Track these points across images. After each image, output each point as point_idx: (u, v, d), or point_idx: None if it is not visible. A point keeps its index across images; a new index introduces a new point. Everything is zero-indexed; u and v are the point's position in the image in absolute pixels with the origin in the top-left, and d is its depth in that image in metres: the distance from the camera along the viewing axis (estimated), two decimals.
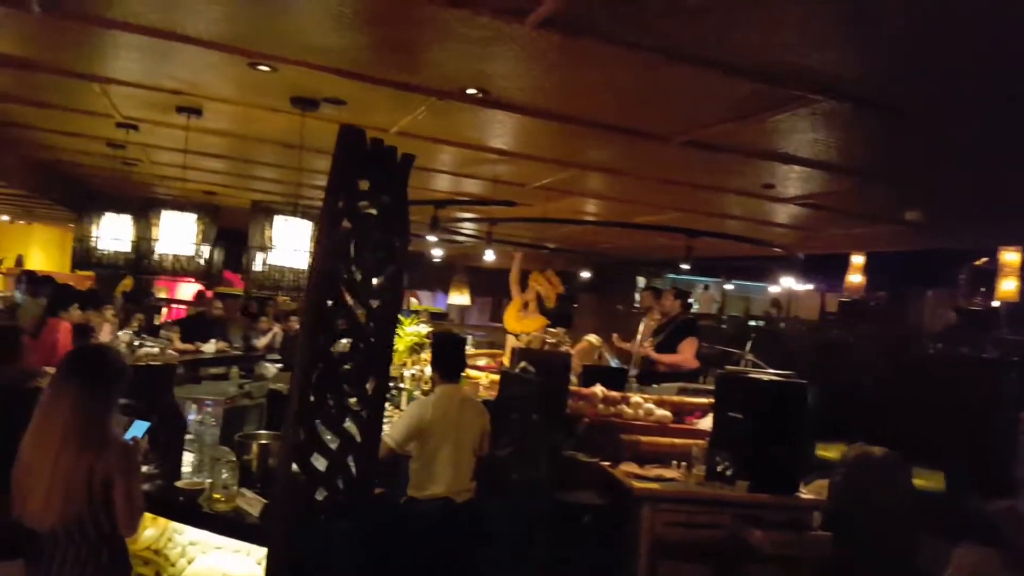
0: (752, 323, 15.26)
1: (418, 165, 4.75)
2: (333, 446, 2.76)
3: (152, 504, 2.83)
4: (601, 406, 5.27)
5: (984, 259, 13.00)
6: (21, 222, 12.34)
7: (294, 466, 2.61)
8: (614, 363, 7.36)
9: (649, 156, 3.99)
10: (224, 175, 5.79)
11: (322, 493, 2.72)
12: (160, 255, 3.92)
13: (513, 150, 4.06)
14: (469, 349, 7.23)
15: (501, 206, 5.39)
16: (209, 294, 7.94)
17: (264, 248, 3.25)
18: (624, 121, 3.27)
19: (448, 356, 3.83)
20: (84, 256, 4.48)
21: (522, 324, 7.80)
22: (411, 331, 6.25)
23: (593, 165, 4.41)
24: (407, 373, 5.75)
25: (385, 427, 3.45)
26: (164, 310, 10.40)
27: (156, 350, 5.43)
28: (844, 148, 3.46)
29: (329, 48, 2.61)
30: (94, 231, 4.43)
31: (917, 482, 7.95)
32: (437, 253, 8.53)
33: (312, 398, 2.67)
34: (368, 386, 2.88)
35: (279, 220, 3.40)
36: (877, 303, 17.54)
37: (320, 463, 2.73)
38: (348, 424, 2.84)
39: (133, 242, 4.27)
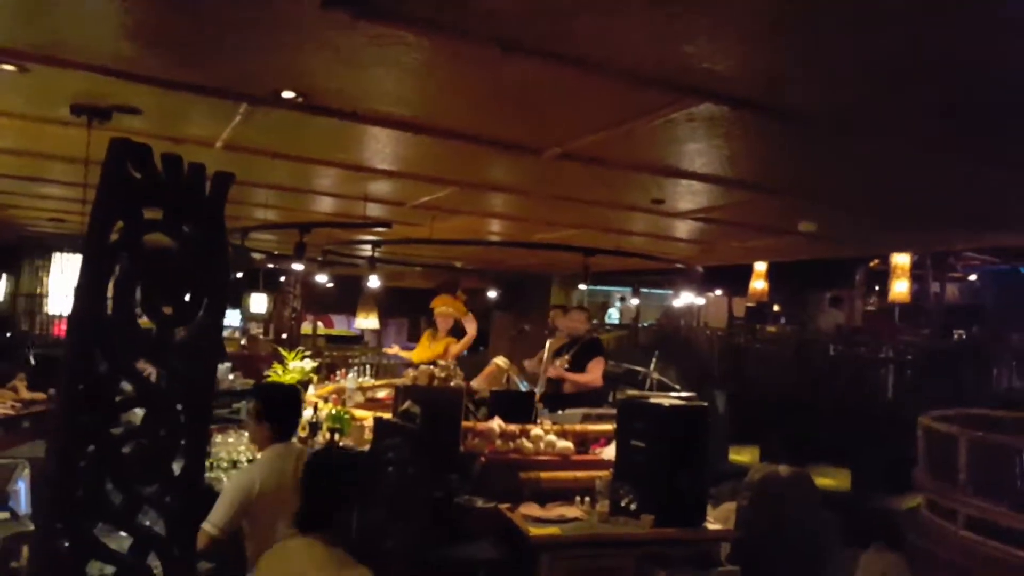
0: (666, 331, 15.22)
1: (267, 183, 4.23)
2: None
3: None
4: (499, 442, 4.77)
5: (876, 261, 13.44)
6: None
7: None
8: (523, 386, 6.90)
9: (529, 172, 3.55)
10: (53, 199, 4.95)
11: None
12: None
13: (372, 165, 3.52)
14: (367, 380, 6.57)
15: (376, 228, 4.81)
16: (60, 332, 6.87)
17: (36, 294, 2.55)
18: (484, 132, 2.80)
19: (285, 409, 3.17)
20: None
21: (431, 351, 7.21)
22: (294, 367, 5.56)
23: (473, 182, 3.93)
24: None
25: None
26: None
27: None
28: (729, 159, 3.11)
29: (75, 39, 1.99)
30: None
31: (824, 481, 7.89)
32: (322, 279, 7.83)
33: (81, 491, 2.00)
34: (176, 466, 2.24)
35: (61, 258, 2.69)
36: (780, 306, 17.97)
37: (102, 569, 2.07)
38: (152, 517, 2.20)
39: None
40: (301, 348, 5.85)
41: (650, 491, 3.91)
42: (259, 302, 9.25)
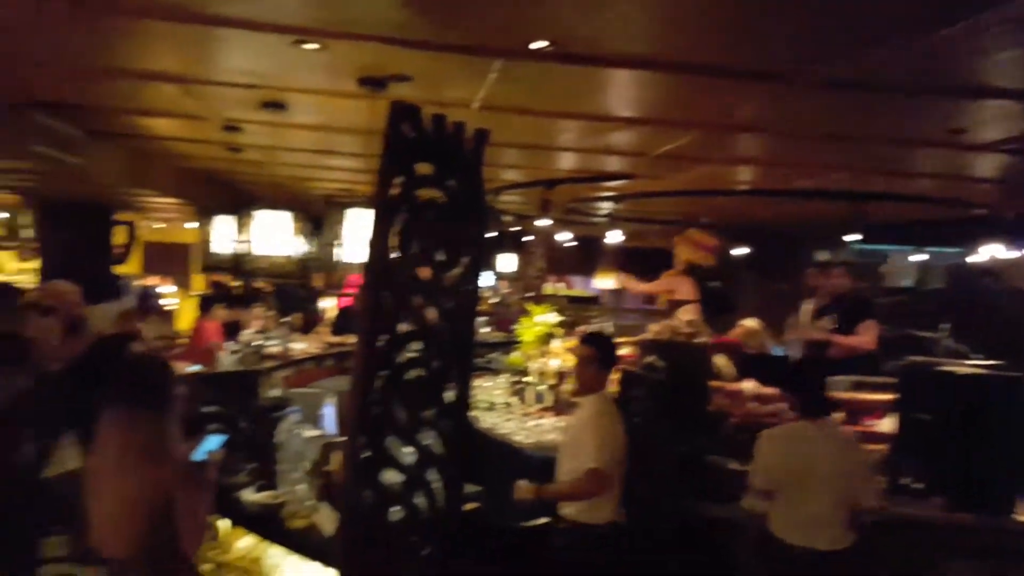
0: (959, 293, 13.15)
1: (516, 142, 4.52)
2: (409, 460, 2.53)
3: (234, 517, 2.79)
4: (753, 404, 4.66)
5: None
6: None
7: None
8: (777, 351, 6.58)
9: (785, 106, 3.34)
10: (343, 171, 5.88)
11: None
12: (256, 256, 3.97)
13: (614, 113, 3.60)
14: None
15: (617, 180, 4.89)
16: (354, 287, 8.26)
17: (333, 244, 3.11)
18: (731, 60, 2.69)
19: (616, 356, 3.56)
20: (204, 260, 4.70)
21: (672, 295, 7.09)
22: (540, 320, 5.96)
23: (719, 123, 3.81)
24: (534, 366, 5.48)
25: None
26: (329, 303, 10.53)
27: (277, 348, 5.67)
28: None
29: (363, 13, 2.37)
30: (211, 234, 4.63)
31: None
32: (565, 236, 8.15)
33: (376, 409, 2.44)
34: (447, 395, 2.62)
35: (352, 214, 3.25)
36: None
37: (394, 479, 2.51)
38: (431, 437, 2.60)
39: (235, 244, 4.40)
40: (547, 303, 6.26)
41: (939, 471, 3.61)
42: (507, 262, 10.03)
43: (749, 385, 4.77)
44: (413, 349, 2.57)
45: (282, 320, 7.00)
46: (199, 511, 2.31)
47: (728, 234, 8.50)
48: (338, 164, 5.53)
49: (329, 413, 3.69)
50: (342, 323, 7.78)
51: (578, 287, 14.46)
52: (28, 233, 10.36)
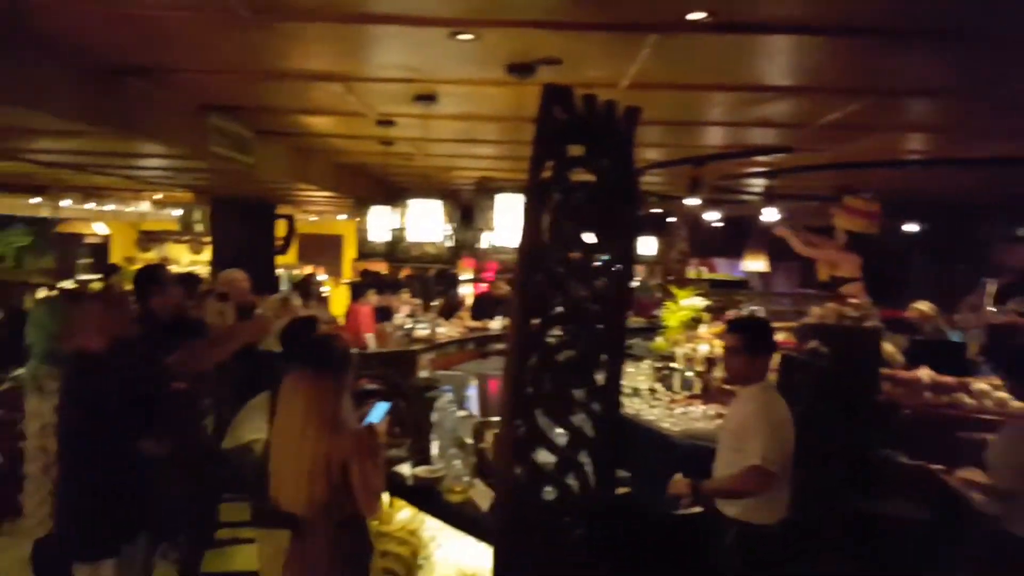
0: None
1: (666, 119, 4.41)
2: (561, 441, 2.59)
3: (394, 489, 2.98)
4: (928, 394, 4.33)
5: None
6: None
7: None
8: (955, 337, 6.05)
9: (967, 66, 3.03)
10: (486, 159, 6.05)
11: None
12: (409, 243, 4.18)
13: (775, 83, 3.42)
14: None
15: (774, 154, 4.64)
16: (492, 275, 8.54)
17: (485, 228, 3.20)
18: (905, 20, 2.46)
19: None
20: (360, 248, 5.02)
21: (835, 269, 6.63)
22: (686, 304, 5.83)
23: (892, 89, 3.51)
24: (680, 352, 5.37)
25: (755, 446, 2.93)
26: (468, 289, 10.97)
27: (425, 332, 5.98)
28: None
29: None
30: (368, 223, 4.93)
31: None
32: (712, 216, 7.84)
33: (530, 389, 2.51)
34: (598, 376, 2.64)
35: (501, 198, 3.33)
36: None
37: (547, 460, 2.58)
38: (581, 419, 2.64)
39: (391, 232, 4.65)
40: (690, 287, 6.12)
41: None
42: (647, 245, 9.83)
43: (924, 373, 4.42)
44: (565, 331, 2.62)
45: (431, 304, 7.42)
46: (373, 475, 2.49)
47: (898, 209, 7.84)
48: (484, 152, 5.70)
49: (473, 394, 3.85)
50: (480, 309, 8.11)
51: (722, 270, 13.93)
52: (199, 227, 11.64)
